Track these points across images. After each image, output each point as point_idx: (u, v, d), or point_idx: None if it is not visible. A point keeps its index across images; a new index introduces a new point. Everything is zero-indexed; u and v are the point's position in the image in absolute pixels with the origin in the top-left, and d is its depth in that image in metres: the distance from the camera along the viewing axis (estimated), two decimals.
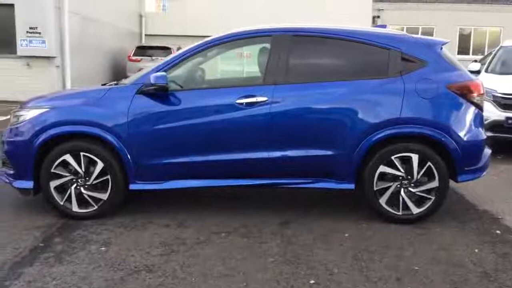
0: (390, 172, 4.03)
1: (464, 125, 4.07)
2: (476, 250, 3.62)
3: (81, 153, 4.07)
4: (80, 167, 4.09)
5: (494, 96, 7.02)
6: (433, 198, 4.05)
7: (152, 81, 3.96)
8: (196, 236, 3.83)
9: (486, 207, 4.67)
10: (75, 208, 4.14)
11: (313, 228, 4.01)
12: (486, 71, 8.01)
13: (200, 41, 4.30)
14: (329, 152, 4.04)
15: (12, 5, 12.42)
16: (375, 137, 3.98)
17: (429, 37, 4.58)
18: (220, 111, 4.03)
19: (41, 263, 3.33)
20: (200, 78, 4.64)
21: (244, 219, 4.19)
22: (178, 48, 13.59)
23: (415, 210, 4.06)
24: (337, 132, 4.01)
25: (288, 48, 4.18)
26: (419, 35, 4.64)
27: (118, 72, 16.58)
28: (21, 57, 12.56)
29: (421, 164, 4.00)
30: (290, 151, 4.06)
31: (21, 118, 4.22)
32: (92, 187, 4.13)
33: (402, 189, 4.04)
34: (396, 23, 21.73)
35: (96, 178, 4.11)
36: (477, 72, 7.76)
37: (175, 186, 4.17)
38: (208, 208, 4.45)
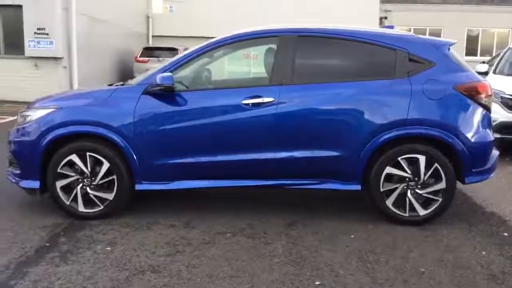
0: (397, 173, 4.00)
1: (472, 127, 4.04)
2: (484, 253, 3.59)
3: (87, 153, 4.08)
4: (86, 167, 4.10)
5: (502, 97, 6.97)
6: (440, 199, 4.02)
7: (158, 81, 3.96)
8: (202, 236, 3.83)
9: (493, 209, 4.62)
10: (81, 208, 4.15)
11: (319, 229, 3.99)
12: (494, 72, 7.95)
13: (206, 42, 4.30)
14: (336, 153, 4.02)
15: (20, 6, 12.51)
16: (382, 138, 3.96)
17: (437, 38, 4.55)
18: (226, 112, 4.03)
19: (47, 263, 3.33)
20: (206, 78, 4.65)
21: (250, 219, 4.18)
22: (185, 49, 13.58)
23: (422, 211, 4.03)
24: (343, 133, 3.99)
25: (294, 48, 4.17)
26: (426, 36, 4.61)
27: (125, 73, 16.63)
28: (29, 57, 12.63)
29: (428, 166, 3.97)
30: (296, 151, 4.04)
31: (28, 118, 4.24)
32: (98, 187, 4.14)
33: (409, 191, 4.01)
34: (404, 24, 21.65)
35: (102, 178, 4.12)
36: (485, 73, 7.71)
37: (181, 187, 4.16)
38: (214, 209, 4.45)
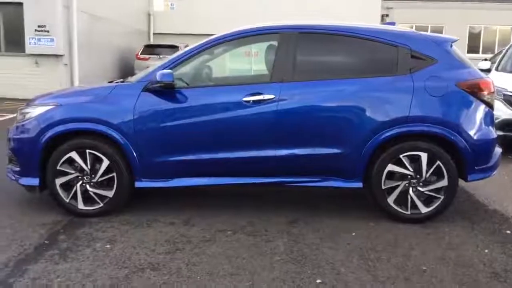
0: (398, 171, 3.97)
1: (474, 124, 4.00)
2: (486, 251, 3.56)
3: (87, 151, 4.06)
4: (86, 164, 4.08)
5: (504, 94, 6.93)
6: (442, 197, 3.99)
7: (158, 78, 3.93)
8: (202, 234, 3.80)
9: (496, 206, 4.59)
10: (80, 205, 4.13)
11: (320, 227, 3.97)
12: (497, 69, 7.92)
13: (206, 39, 4.27)
14: (337, 151, 3.99)
15: (20, 4, 12.48)
16: (384, 135, 3.93)
17: (439, 35, 4.51)
18: (226, 109, 4.00)
19: (46, 260, 3.31)
20: (206, 75, 4.61)
21: (251, 217, 4.15)
22: (186, 47, 13.57)
23: (424, 209, 4.00)
24: (345, 130, 3.96)
25: (296, 45, 4.13)
26: (428, 33, 4.57)
27: (126, 71, 16.60)
28: (29, 55, 12.61)
29: (430, 163, 3.94)
30: (297, 149, 4.02)
31: (27, 116, 4.21)
32: (98, 185, 4.12)
33: (411, 188, 3.98)
34: (405, 22, 21.56)
35: (101, 176, 4.09)
36: (487, 71, 7.67)
37: (181, 184, 4.14)
38: (214, 206, 4.42)
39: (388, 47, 4.11)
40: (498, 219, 4.25)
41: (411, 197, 3.98)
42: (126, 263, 3.28)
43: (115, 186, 4.10)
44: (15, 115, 4.55)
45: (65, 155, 4.07)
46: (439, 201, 3.99)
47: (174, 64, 4.12)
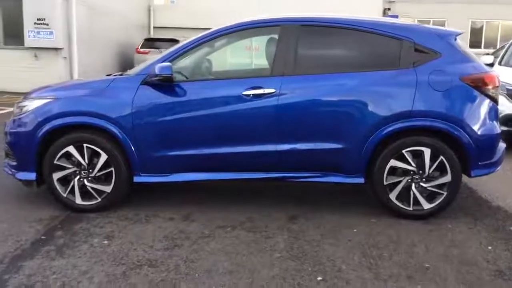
0: (401, 166, 3.91)
1: (479, 119, 3.93)
2: (490, 248, 3.49)
3: (84, 145, 4.00)
4: (84, 159, 4.02)
5: (508, 89, 6.85)
6: (445, 193, 3.92)
7: (157, 71, 3.86)
8: (201, 230, 3.74)
9: (499, 203, 4.53)
10: (78, 200, 4.07)
11: (321, 223, 3.91)
12: (500, 63, 7.83)
13: (206, 31, 4.19)
14: (339, 146, 3.92)
15: None
16: (386, 130, 3.86)
17: (443, 28, 4.43)
18: (226, 103, 3.93)
19: (42, 256, 3.26)
20: (206, 69, 4.54)
21: (251, 213, 4.09)
22: None
23: (426, 205, 3.94)
24: (346, 125, 3.89)
25: (297, 38, 4.06)
26: (432, 26, 4.49)
27: (126, 64, 16.50)
28: (28, 48, 12.52)
29: (433, 159, 3.87)
30: (298, 144, 3.95)
31: (24, 109, 4.15)
32: (96, 179, 4.06)
33: (413, 184, 3.92)
34: (407, 16, 21.42)
35: (99, 170, 4.03)
36: (491, 65, 7.58)
37: (180, 179, 4.08)
38: (213, 202, 4.36)
39: (391, 40, 4.03)
40: (501, 216, 4.19)
41: (414, 193, 3.92)
42: (123, 259, 3.23)
43: (113, 181, 4.04)
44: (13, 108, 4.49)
45: (62, 149, 4.01)
46: (442, 197, 3.93)
47: (173, 57, 4.05)
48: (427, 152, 3.86)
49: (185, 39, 4.35)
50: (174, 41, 15.81)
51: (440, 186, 3.93)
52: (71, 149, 4.01)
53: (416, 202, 3.93)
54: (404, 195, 3.94)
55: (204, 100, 3.95)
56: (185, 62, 4.17)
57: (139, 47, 16.71)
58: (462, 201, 4.46)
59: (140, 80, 4.00)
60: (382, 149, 3.91)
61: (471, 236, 3.71)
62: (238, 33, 4.26)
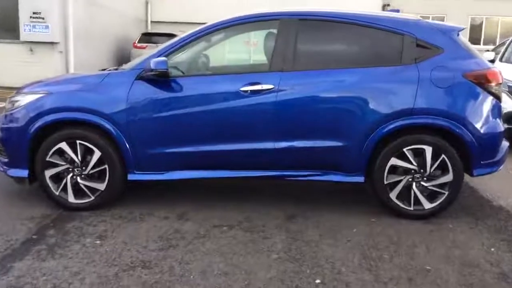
0: (401, 165, 3.82)
1: (481, 116, 3.84)
2: (492, 249, 3.41)
3: (77, 141, 3.90)
4: (77, 155, 3.92)
5: (509, 86, 6.76)
6: (446, 193, 3.83)
7: (152, 66, 3.76)
8: (197, 229, 3.65)
9: (501, 202, 4.45)
10: (71, 198, 3.97)
11: (320, 223, 3.82)
12: (501, 60, 7.73)
13: (203, 25, 4.08)
14: (338, 143, 3.83)
15: None
16: (387, 128, 3.76)
17: (445, 23, 4.33)
18: (223, 99, 3.82)
19: (33, 257, 3.16)
20: (203, 64, 4.43)
21: (248, 212, 4.00)
22: None
23: (427, 205, 3.85)
24: (346, 122, 3.79)
25: (296, 33, 3.95)
26: (434, 21, 4.39)
27: (123, 59, 16.34)
28: (24, 42, 12.37)
29: (434, 157, 3.78)
30: (297, 141, 3.86)
31: (16, 104, 4.05)
32: (89, 177, 3.96)
33: (414, 183, 3.83)
34: (406, 11, 21.27)
35: (93, 168, 3.93)
36: (492, 62, 7.48)
37: (175, 177, 3.98)
38: (210, 200, 4.26)
39: (392, 36, 3.93)
40: (503, 216, 4.10)
41: (415, 193, 3.83)
42: (116, 260, 3.13)
43: (107, 178, 3.94)
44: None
45: (54, 146, 3.91)
46: (444, 197, 3.84)
47: (169, 52, 3.94)
48: (428, 150, 3.77)
49: (181, 33, 4.24)
50: (171, 35, 15.62)
51: (441, 186, 3.84)
52: (63, 145, 3.91)
53: (417, 201, 3.85)
54: (405, 194, 3.86)
55: (201, 96, 3.85)
56: (182, 57, 4.07)
57: (137, 42, 16.56)
58: (463, 200, 4.37)
59: (135, 75, 3.90)
60: (383, 147, 3.82)
61: (473, 237, 3.63)
62: (235, 27, 4.15)
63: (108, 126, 3.85)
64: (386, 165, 3.81)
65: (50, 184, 3.96)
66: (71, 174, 3.95)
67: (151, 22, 20.90)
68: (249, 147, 3.87)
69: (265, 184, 4.73)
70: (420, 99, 3.76)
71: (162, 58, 3.79)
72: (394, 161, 3.81)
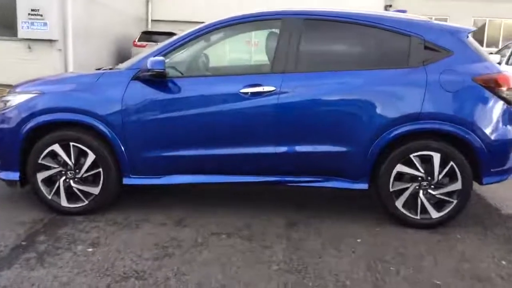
0: (408, 172, 3.66)
1: (491, 122, 3.68)
2: (504, 262, 3.25)
3: (71, 143, 3.74)
4: (70, 158, 3.76)
5: None
6: (455, 201, 3.68)
7: (149, 66, 3.60)
8: (194, 237, 3.49)
9: (509, 211, 4.29)
10: (63, 202, 3.82)
11: (322, 231, 3.66)
12: (507, 63, 7.59)
13: (202, 24, 3.93)
14: (342, 149, 3.67)
15: None
16: (393, 133, 3.61)
17: (454, 24, 4.17)
18: (222, 101, 3.67)
19: (21, 265, 3.01)
20: (202, 64, 4.27)
21: (247, 218, 3.84)
22: None
23: (435, 214, 3.69)
24: (350, 127, 3.64)
25: (299, 33, 3.80)
26: (443, 22, 4.23)
27: (123, 58, 16.16)
28: (22, 39, 12.18)
29: (443, 164, 3.62)
30: (298, 146, 3.70)
31: (8, 104, 3.90)
32: (83, 181, 3.81)
33: (421, 191, 3.67)
34: (408, 13, 21.12)
35: (87, 171, 3.78)
36: (497, 65, 7.33)
37: (172, 182, 3.83)
38: (208, 206, 4.10)
39: (399, 37, 3.78)
40: None
41: (422, 201, 3.67)
42: (108, 270, 2.98)
43: (101, 182, 3.79)
44: None
45: (47, 148, 3.75)
46: (452, 206, 3.68)
47: (167, 51, 3.79)
48: (436, 157, 3.62)
49: (182, 31, 4.08)
50: (172, 34, 15.48)
51: (449, 194, 3.68)
52: (56, 147, 3.75)
53: (424, 210, 3.69)
54: (411, 202, 3.70)
55: (199, 97, 3.70)
56: (180, 57, 3.91)
57: (137, 41, 16.40)
58: (470, 208, 4.21)
59: (131, 75, 3.74)
60: (388, 153, 3.67)
61: (483, 248, 3.47)
62: (236, 27, 4.00)
63: (102, 127, 3.70)
64: (391, 172, 3.66)
65: (42, 188, 3.82)
66: (64, 177, 3.80)
67: (152, 20, 20.74)
68: (248, 151, 3.72)
69: (265, 189, 4.57)
70: (428, 103, 3.61)
71: (159, 58, 3.63)
72: (400, 167, 3.65)
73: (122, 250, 3.25)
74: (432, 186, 3.67)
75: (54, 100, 3.81)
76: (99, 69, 4.27)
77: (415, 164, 3.64)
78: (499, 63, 7.58)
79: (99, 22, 14.69)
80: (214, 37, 4.03)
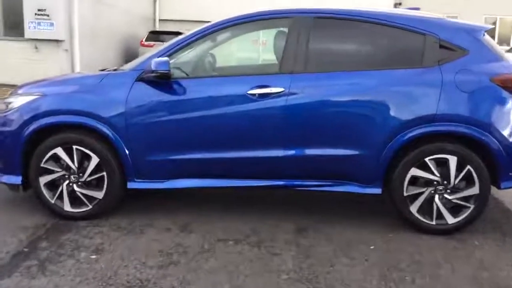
0: (423, 176, 3.51)
1: (510, 123, 3.53)
2: None
3: (74, 146, 3.64)
4: (73, 162, 3.66)
5: None
6: (472, 206, 3.53)
7: (153, 67, 3.49)
8: (201, 243, 3.38)
9: None
10: (67, 207, 3.72)
11: (333, 237, 3.53)
12: None
13: (208, 24, 3.80)
14: (353, 152, 3.54)
15: None
16: (407, 135, 3.47)
17: (470, 22, 4.01)
18: (229, 103, 3.54)
19: (21, 274, 2.91)
20: (208, 65, 4.16)
21: (255, 224, 3.72)
22: None
23: (451, 219, 3.55)
24: (363, 129, 3.50)
25: (309, 32, 3.66)
26: (458, 20, 4.07)
27: (130, 58, 16.07)
28: (28, 40, 12.14)
29: (459, 168, 3.47)
30: (308, 149, 3.57)
31: (10, 106, 3.81)
32: (86, 185, 3.70)
33: (437, 196, 3.52)
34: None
35: (90, 175, 3.67)
36: None
37: (177, 186, 3.71)
38: (215, 211, 3.98)
39: (413, 35, 3.63)
40: None
41: (437, 206, 3.53)
42: (112, 279, 2.87)
43: (105, 186, 3.68)
44: None
45: (49, 151, 3.65)
46: (469, 211, 3.53)
47: (172, 51, 3.67)
48: (452, 160, 3.47)
49: (189, 31, 3.95)
50: (179, 34, 15.37)
51: (466, 199, 3.53)
52: (59, 151, 3.65)
53: (440, 215, 3.54)
54: (426, 207, 3.55)
55: (204, 99, 3.58)
56: (185, 57, 3.79)
57: (144, 40, 16.32)
58: (488, 213, 4.04)
59: (135, 76, 3.63)
60: (402, 156, 3.52)
61: (502, 255, 3.32)
62: (243, 26, 3.86)
63: (105, 130, 3.59)
64: (406, 176, 3.51)
65: (45, 192, 3.72)
66: (67, 181, 3.70)
67: (159, 20, 20.65)
68: (256, 155, 3.59)
69: (273, 193, 4.43)
70: (443, 104, 3.46)
71: (164, 59, 3.52)
72: (414, 171, 3.51)
73: (126, 257, 3.14)
74: (448, 191, 3.52)
75: (57, 102, 3.71)
76: (103, 70, 4.16)
77: (430, 168, 3.50)
78: None
79: (106, 22, 14.62)
80: (220, 36, 3.91)
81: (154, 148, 3.62)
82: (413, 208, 3.56)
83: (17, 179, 3.74)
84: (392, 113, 3.49)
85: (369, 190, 3.62)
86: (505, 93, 3.54)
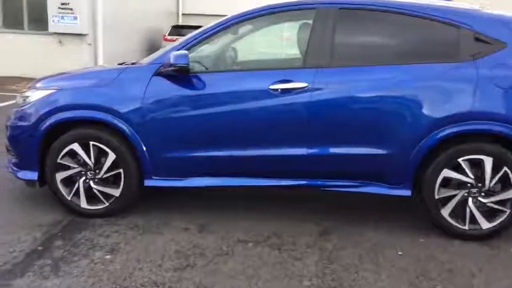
0: (456, 177, 3.30)
1: None
2: None
3: (90, 142, 3.54)
4: (90, 158, 3.56)
5: None
6: (508, 211, 3.30)
7: (172, 60, 3.35)
8: (219, 245, 3.24)
9: None
10: (83, 204, 3.63)
11: (359, 241, 3.35)
12: None
13: (228, 15, 3.65)
14: (381, 151, 3.34)
15: None
16: (440, 134, 3.25)
17: (507, 13, 3.76)
18: (249, 98, 3.38)
19: (34, 273, 2.82)
20: (228, 58, 4.00)
21: (277, 225, 3.56)
22: None
23: (485, 224, 3.32)
24: (391, 127, 3.30)
25: (334, 24, 3.47)
26: (494, 11, 3.82)
27: (153, 52, 16.09)
28: (52, 33, 12.20)
29: (495, 169, 3.25)
30: (333, 148, 3.39)
31: (27, 100, 3.73)
32: (103, 181, 3.60)
33: (470, 199, 3.31)
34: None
35: (107, 171, 3.57)
36: None
37: (196, 184, 3.58)
38: (234, 211, 3.83)
39: (447, 28, 3.41)
40: None
41: (471, 210, 3.31)
42: (126, 281, 2.76)
43: (122, 183, 3.58)
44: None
45: (66, 147, 3.56)
46: (505, 216, 3.31)
47: (191, 44, 3.53)
48: (488, 161, 3.24)
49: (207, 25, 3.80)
50: None
51: (502, 202, 3.30)
52: (75, 146, 3.56)
53: (473, 220, 3.33)
54: (459, 211, 3.34)
55: (225, 94, 3.42)
56: (205, 51, 3.65)
57: (167, 34, 16.28)
58: None
59: (153, 70, 3.51)
60: (434, 156, 3.31)
61: None
62: (265, 18, 3.68)
63: (122, 126, 3.48)
64: (437, 178, 3.30)
65: (62, 188, 3.63)
66: (83, 178, 3.61)
67: (182, 14, 20.60)
68: (278, 153, 3.43)
69: (295, 193, 4.25)
70: (479, 101, 3.24)
71: (183, 52, 3.38)
72: (447, 172, 3.30)
73: (142, 258, 3.03)
74: (483, 194, 3.30)
75: (73, 96, 3.62)
76: (122, 63, 4.05)
77: (463, 169, 3.28)
78: None
79: (129, 16, 14.62)
80: (241, 29, 3.75)
81: (172, 145, 3.49)
82: (445, 212, 3.35)
83: (33, 175, 3.67)
84: (423, 110, 3.28)
85: (398, 192, 3.43)
86: None
